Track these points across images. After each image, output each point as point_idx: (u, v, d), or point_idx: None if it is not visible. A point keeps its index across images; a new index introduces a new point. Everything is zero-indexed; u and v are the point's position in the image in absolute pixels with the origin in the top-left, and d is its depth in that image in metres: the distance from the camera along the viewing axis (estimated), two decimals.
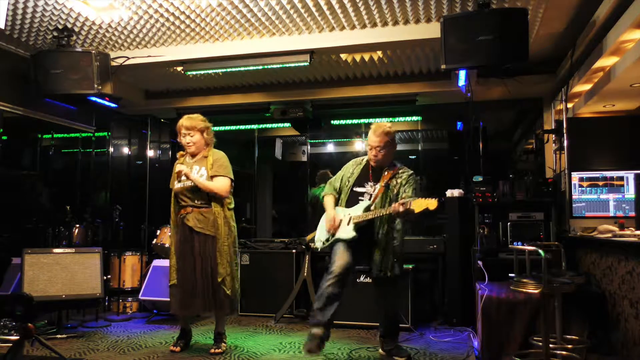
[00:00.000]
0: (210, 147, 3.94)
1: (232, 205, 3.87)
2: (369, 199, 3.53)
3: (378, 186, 3.55)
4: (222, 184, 3.77)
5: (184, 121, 3.86)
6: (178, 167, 3.81)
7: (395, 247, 3.51)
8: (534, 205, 4.46)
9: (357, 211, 3.49)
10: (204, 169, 3.81)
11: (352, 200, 3.59)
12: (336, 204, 3.68)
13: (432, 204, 3.20)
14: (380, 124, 3.61)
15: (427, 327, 4.75)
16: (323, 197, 3.75)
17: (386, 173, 3.57)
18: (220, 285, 3.70)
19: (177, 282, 3.76)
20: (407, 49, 4.64)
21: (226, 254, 3.74)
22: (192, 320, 4.65)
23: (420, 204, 3.21)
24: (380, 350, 3.75)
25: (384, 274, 3.47)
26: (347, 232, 3.47)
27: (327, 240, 3.57)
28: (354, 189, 3.61)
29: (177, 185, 3.83)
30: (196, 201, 3.77)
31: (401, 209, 3.22)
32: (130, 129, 6.61)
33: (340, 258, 3.40)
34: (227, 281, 3.73)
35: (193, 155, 3.90)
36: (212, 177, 3.77)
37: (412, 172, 3.64)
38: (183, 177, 3.80)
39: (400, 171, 3.60)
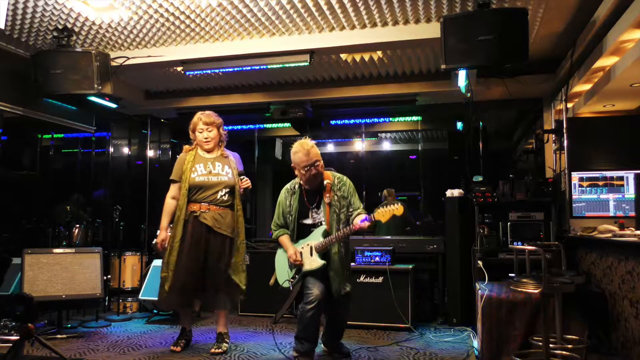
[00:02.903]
0: (224, 145, 3.96)
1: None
2: (321, 224, 3.49)
3: (322, 210, 3.49)
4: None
5: (203, 117, 3.87)
6: (245, 183, 3.80)
7: (347, 262, 3.54)
8: (534, 205, 4.46)
9: (316, 239, 3.45)
10: (227, 167, 3.84)
11: (304, 233, 3.54)
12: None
13: (398, 210, 3.24)
14: (302, 143, 3.48)
15: (427, 327, 4.75)
16: (276, 238, 3.64)
17: (323, 191, 3.49)
18: (233, 281, 3.73)
19: (176, 279, 3.67)
20: (407, 49, 4.64)
21: (242, 253, 3.81)
22: (193, 320, 4.65)
23: (386, 214, 3.24)
24: (322, 346, 3.74)
25: (342, 291, 3.44)
26: (313, 262, 3.41)
27: (294, 277, 3.48)
28: (301, 221, 3.54)
29: (199, 179, 3.77)
30: (218, 199, 3.76)
31: (366, 225, 3.24)
32: (130, 129, 6.60)
33: (314, 286, 3.35)
34: (243, 278, 3.79)
35: (207, 152, 3.89)
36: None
37: (345, 177, 3.60)
38: (204, 171, 3.78)
39: (335, 181, 3.54)
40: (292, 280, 3.47)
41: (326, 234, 3.43)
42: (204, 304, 3.84)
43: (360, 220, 3.26)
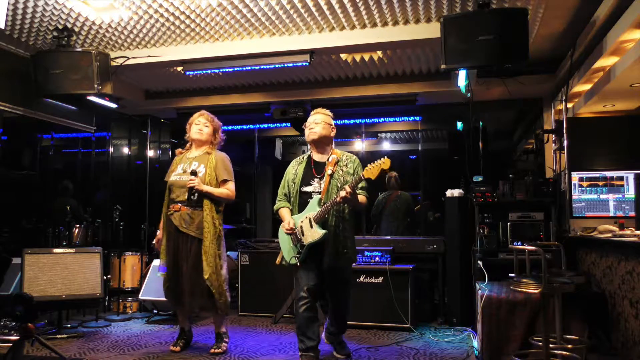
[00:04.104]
0: (214, 148, 3.95)
1: (222, 208, 3.85)
2: (319, 194, 3.41)
3: (324, 179, 3.43)
4: (232, 190, 3.84)
5: (204, 113, 3.95)
6: (190, 181, 3.68)
7: (344, 237, 3.40)
8: (534, 205, 4.46)
9: (313, 209, 3.36)
10: (202, 166, 3.81)
11: (303, 202, 3.46)
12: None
13: (385, 163, 3.14)
14: (319, 108, 3.67)
15: (427, 327, 4.75)
16: (277, 210, 3.57)
17: (328, 162, 3.47)
18: (206, 285, 3.64)
19: (166, 279, 3.78)
20: (407, 49, 4.64)
21: (211, 256, 3.68)
22: (192, 320, 4.65)
23: (373, 170, 3.15)
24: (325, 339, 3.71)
25: (333, 264, 3.36)
26: (314, 233, 3.32)
27: (299, 253, 3.38)
28: (302, 189, 3.48)
29: (173, 177, 3.82)
30: (188, 200, 3.75)
31: (348, 189, 3.13)
32: (130, 129, 6.61)
33: (305, 281, 3.33)
34: (213, 279, 3.66)
35: (196, 145, 3.91)
36: (223, 182, 3.81)
37: (354, 156, 3.58)
38: (180, 171, 3.80)
39: (344, 157, 3.53)
40: (297, 256, 3.38)
41: (320, 203, 3.36)
42: (184, 305, 3.78)
43: (343, 188, 3.19)
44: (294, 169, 3.59)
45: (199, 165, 3.81)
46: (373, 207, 6.38)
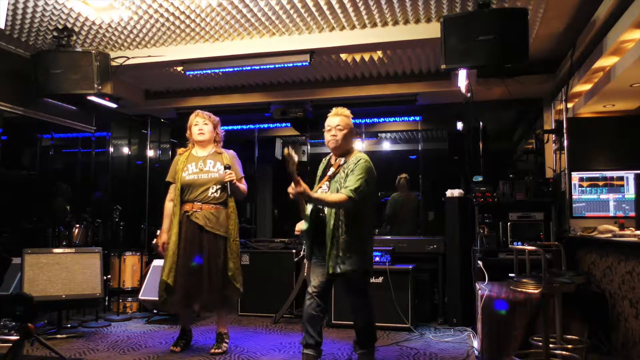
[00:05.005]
0: (220, 145, 3.98)
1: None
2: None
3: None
4: (245, 186, 3.96)
5: (199, 112, 3.96)
6: (227, 176, 3.76)
7: (344, 241, 3.17)
8: (534, 205, 4.46)
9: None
10: (219, 163, 3.84)
11: None
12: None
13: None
14: (340, 107, 3.45)
15: (427, 327, 4.75)
16: None
17: (334, 163, 3.34)
18: (230, 281, 3.72)
19: (176, 280, 3.68)
20: (407, 49, 4.64)
21: (235, 251, 3.80)
22: (193, 320, 4.65)
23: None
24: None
25: (336, 269, 3.17)
26: (301, 224, 3.40)
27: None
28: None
29: (189, 177, 3.79)
30: (210, 197, 3.77)
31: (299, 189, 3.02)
32: (130, 129, 6.60)
33: (313, 277, 3.35)
34: (237, 275, 3.77)
35: (200, 145, 3.91)
36: (239, 180, 3.89)
37: (361, 157, 3.28)
38: (195, 170, 3.80)
39: (352, 158, 3.29)
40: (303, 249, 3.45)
41: None
42: (202, 305, 3.80)
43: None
44: (320, 171, 3.52)
45: (215, 163, 3.84)
46: (388, 205, 6.37)
